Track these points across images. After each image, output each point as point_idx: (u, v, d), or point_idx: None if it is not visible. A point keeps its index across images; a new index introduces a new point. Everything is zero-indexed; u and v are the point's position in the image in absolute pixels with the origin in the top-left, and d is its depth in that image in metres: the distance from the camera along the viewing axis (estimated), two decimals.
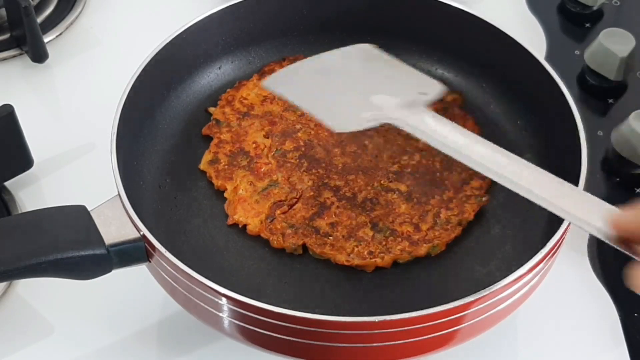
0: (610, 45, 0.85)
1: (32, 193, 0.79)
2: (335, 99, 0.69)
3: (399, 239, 0.70)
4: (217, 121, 0.78)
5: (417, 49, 0.82)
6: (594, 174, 0.80)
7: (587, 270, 0.74)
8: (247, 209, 0.72)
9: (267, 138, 0.76)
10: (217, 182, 0.74)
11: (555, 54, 0.90)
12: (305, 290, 0.68)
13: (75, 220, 0.64)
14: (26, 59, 0.89)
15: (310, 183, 0.73)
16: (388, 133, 0.76)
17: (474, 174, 0.74)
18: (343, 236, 0.70)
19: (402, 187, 0.73)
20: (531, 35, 0.91)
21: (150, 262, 0.65)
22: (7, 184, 0.79)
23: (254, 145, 0.76)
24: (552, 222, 0.65)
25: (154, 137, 0.75)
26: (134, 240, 0.64)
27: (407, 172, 0.74)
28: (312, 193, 0.72)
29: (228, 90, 0.80)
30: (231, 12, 0.79)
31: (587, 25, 0.93)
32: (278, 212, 0.71)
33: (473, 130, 0.76)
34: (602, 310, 0.73)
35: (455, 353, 0.67)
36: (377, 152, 0.75)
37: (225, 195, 0.73)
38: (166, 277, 0.64)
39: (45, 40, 0.89)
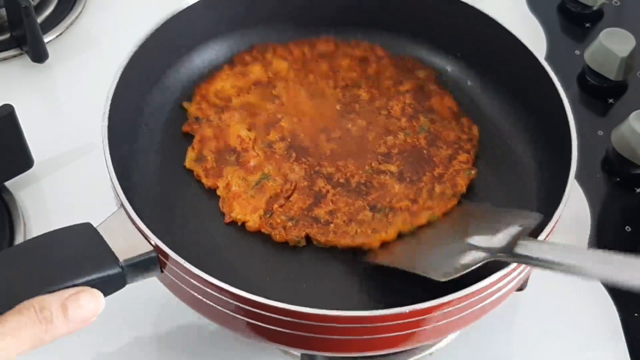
0: (611, 45, 0.85)
1: (32, 193, 0.79)
2: (434, 251, 0.68)
3: (399, 212, 0.70)
4: (196, 117, 0.77)
5: (416, 42, 0.81)
6: (594, 174, 0.80)
7: None
8: (243, 205, 0.71)
9: (250, 130, 0.75)
10: (208, 182, 0.73)
11: (555, 54, 0.90)
12: (312, 283, 0.67)
13: (85, 240, 0.62)
14: (26, 59, 0.89)
15: (302, 173, 0.72)
16: (369, 114, 0.77)
17: (459, 149, 0.75)
18: (344, 222, 0.70)
19: (393, 168, 0.73)
20: (531, 35, 0.91)
21: (163, 272, 0.63)
22: (7, 184, 0.79)
23: (238, 139, 0.75)
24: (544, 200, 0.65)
25: (142, 140, 0.74)
26: (147, 253, 0.62)
27: (394, 153, 0.74)
28: (305, 183, 0.72)
29: (201, 83, 0.79)
30: (204, 5, 0.77)
31: (587, 25, 0.93)
32: (275, 205, 0.71)
33: (472, 130, 0.77)
34: (602, 310, 0.72)
35: (456, 353, 0.67)
36: (362, 134, 0.75)
37: (218, 193, 0.72)
38: (182, 285, 0.62)
39: (45, 40, 0.89)
